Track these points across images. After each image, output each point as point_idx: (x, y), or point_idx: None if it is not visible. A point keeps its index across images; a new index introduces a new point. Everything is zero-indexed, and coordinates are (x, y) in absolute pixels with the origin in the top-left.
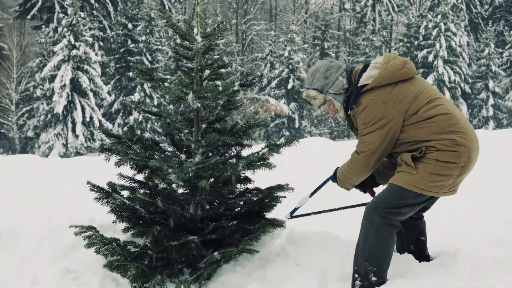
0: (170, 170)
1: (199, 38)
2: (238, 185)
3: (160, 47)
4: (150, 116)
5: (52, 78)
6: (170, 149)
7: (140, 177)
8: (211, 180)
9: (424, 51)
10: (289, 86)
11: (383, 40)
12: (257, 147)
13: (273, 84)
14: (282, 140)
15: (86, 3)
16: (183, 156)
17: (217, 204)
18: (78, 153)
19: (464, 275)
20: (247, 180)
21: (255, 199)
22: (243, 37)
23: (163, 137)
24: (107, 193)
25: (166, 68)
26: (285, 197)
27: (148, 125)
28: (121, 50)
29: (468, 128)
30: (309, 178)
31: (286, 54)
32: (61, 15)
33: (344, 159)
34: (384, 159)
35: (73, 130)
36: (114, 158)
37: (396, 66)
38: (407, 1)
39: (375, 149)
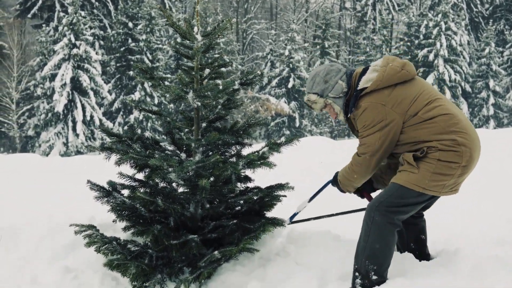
0: (170, 169)
1: (199, 37)
2: (238, 184)
3: (160, 46)
4: (150, 115)
5: (53, 77)
6: (171, 148)
7: (140, 176)
8: (211, 179)
9: (425, 50)
10: (290, 85)
11: (383, 39)
12: (258, 146)
13: (274, 83)
14: (283, 139)
15: (87, 2)
16: (183, 155)
17: (217, 203)
18: (78, 152)
19: (465, 274)
20: (247, 179)
21: (255, 198)
22: (244, 36)
23: (163, 136)
24: (107, 192)
25: (166, 67)
26: (285, 196)
27: (149, 124)
28: (122, 49)
29: (469, 127)
30: (310, 177)
31: (286, 53)
32: (61, 14)
33: (344, 158)
34: (382, 164)
35: (74, 129)
36: (115, 157)
37: (394, 68)
38: (408, 0)
39: (375, 150)
